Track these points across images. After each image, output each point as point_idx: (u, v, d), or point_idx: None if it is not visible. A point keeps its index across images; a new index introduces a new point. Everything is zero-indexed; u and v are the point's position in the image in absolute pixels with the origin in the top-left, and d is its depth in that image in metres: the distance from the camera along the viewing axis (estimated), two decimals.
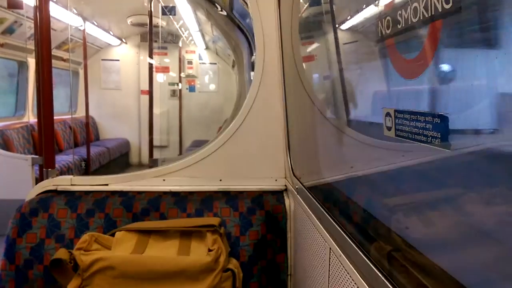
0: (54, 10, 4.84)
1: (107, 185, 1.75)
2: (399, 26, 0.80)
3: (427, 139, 0.71)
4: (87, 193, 1.71)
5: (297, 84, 1.77)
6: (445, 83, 0.79)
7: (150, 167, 1.85)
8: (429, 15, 0.68)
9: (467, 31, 0.71)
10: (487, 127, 0.76)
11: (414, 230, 0.99)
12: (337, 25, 1.70)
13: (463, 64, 0.73)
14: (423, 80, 0.79)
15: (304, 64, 1.81)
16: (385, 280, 0.82)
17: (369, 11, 1.23)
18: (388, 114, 0.85)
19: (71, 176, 1.76)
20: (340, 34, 1.65)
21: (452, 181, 0.91)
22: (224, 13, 3.83)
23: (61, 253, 1.40)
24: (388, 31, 0.85)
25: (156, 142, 6.49)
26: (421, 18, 0.70)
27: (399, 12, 0.78)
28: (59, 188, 1.73)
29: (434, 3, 0.65)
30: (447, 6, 0.61)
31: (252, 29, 1.81)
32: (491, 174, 0.78)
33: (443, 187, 0.95)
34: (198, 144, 5.98)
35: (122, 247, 1.45)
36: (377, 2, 1.08)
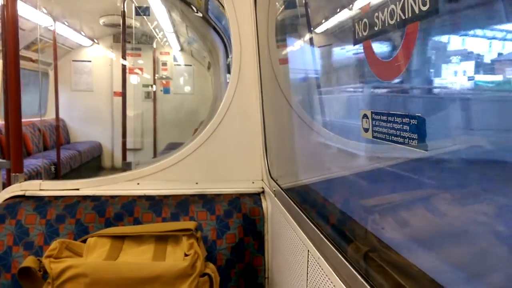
0: (22, 9, 4.68)
1: (78, 189, 1.70)
2: (375, 28, 0.81)
3: (404, 140, 0.72)
4: (57, 198, 1.65)
5: (274, 86, 1.77)
6: (422, 84, 0.80)
7: (124, 170, 1.81)
8: (406, 17, 0.69)
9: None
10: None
11: (390, 231, 1.00)
12: (312, 28, 1.71)
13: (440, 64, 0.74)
14: (401, 81, 0.80)
15: (281, 66, 1.81)
16: (363, 281, 0.82)
17: (345, 14, 1.24)
18: (365, 116, 0.85)
19: (40, 181, 1.69)
20: (315, 37, 1.66)
21: (426, 182, 0.92)
22: (200, 14, 3.80)
23: (30, 261, 1.34)
24: (364, 33, 0.86)
25: (129, 145, 6.37)
26: (398, 20, 0.71)
27: (376, 14, 0.79)
28: (28, 193, 1.66)
29: (411, 4, 0.66)
30: (424, 8, 0.62)
31: (228, 31, 1.81)
32: (464, 175, 0.80)
33: (418, 188, 0.96)
34: (173, 146, 5.90)
35: (95, 254, 1.40)
36: (351, 6, 1.09)
